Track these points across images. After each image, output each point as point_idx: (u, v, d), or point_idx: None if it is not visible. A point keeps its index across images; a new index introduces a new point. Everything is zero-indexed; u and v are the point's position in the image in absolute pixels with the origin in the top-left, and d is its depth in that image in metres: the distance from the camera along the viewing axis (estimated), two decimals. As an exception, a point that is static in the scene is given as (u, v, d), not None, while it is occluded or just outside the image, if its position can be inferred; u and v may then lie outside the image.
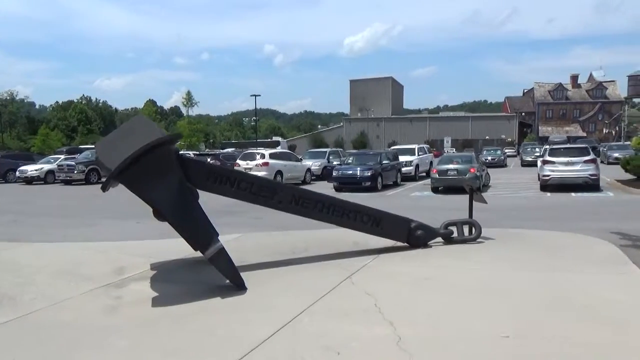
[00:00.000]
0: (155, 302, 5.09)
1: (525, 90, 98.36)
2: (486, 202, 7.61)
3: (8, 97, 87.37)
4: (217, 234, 5.34)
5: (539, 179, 17.15)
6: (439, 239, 7.26)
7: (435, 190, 17.22)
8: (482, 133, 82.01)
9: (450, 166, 17.14)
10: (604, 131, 79.12)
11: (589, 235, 7.87)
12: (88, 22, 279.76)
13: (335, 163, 22.18)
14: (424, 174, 24.21)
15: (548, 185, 16.15)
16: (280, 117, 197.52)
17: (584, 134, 75.68)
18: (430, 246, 7.09)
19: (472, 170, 16.83)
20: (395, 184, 20.02)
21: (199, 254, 7.24)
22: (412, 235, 7.01)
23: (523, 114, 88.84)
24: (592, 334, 3.76)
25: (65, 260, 7.11)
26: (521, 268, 5.81)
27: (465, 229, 7.37)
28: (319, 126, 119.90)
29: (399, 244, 7.19)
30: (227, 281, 5.56)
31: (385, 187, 18.93)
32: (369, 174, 17.60)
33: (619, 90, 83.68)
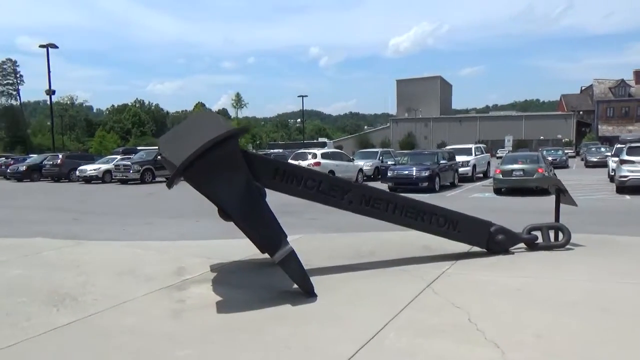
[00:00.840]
0: (221, 308, 4.72)
1: (583, 88, 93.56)
2: (576, 205, 6.83)
3: (68, 102, 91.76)
4: (286, 236, 4.92)
5: (611, 180, 15.87)
6: (521, 245, 6.58)
7: (497, 191, 16.26)
8: (536, 133, 78.74)
9: (516, 166, 16.09)
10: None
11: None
12: (141, 31, 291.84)
13: (389, 163, 21.51)
14: (481, 175, 23.16)
15: (625, 187, 14.83)
16: (325, 118, 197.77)
17: (650, 134, 70.96)
18: (513, 253, 6.41)
19: (540, 170, 15.75)
20: (453, 185, 19.14)
21: (259, 255, 6.96)
22: (491, 240, 6.36)
23: (581, 112, 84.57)
24: None
25: (125, 259, 6.94)
26: (628, 280, 5.05)
27: (551, 235, 6.64)
28: (365, 127, 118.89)
29: (476, 249, 6.56)
30: (294, 286, 5.15)
31: (443, 188, 18.11)
32: (427, 174, 16.84)
33: (689, 86, 77.99)
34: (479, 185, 19.93)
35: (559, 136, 77.20)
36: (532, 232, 6.60)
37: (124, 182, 26.59)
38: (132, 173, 25.89)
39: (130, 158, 28.62)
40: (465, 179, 20.87)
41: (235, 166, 4.73)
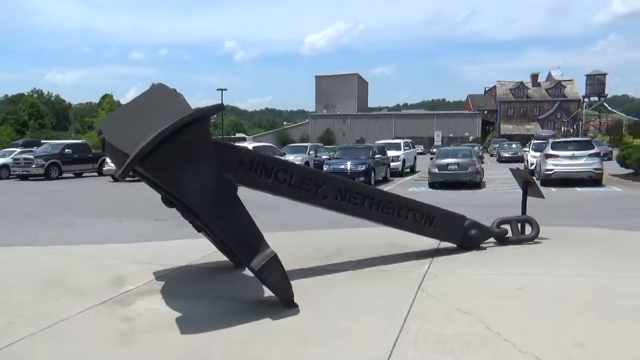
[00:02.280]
0: (184, 327, 3.86)
1: (487, 89, 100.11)
2: (543, 197, 6.73)
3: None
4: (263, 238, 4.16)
5: (532, 174, 16.64)
6: (490, 240, 6.33)
7: (432, 185, 16.43)
8: (445, 131, 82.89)
9: (451, 160, 16.36)
10: (562, 129, 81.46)
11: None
12: (41, 16, 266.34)
13: (324, 157, 21.06)
14: (408, 170, 23.53)
15: (550, 180, 15.61)
16: (241, 114, 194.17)
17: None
18: (485, 248, 6.13)
19: (473, 164, 16.14)
20: (386, 180, 19.11)
21: (208, 259, 6.11)
22: (465, 236, 6.04)
23: (485, 111, 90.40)
24: None
25: (48, 269, 5.75)
26: (628, 275, 4.84)
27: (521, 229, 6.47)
28: (284, 123, 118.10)
29: (444, 245, 6.21)
30: (267, 295, 4.42)
31: (377, 182, 18.00)
32: (363, 168, 16.59)
33: (577, 88, 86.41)
34: (410, 179, 20.17)
35: (467, 134, 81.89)
36: (501, 226, 6.38)
37: (24, 178, 23.64)
38: (35, 168, 23.07)
39: (32, 151, 25.54)
40: (396, 173, 21.03)
41: (205, 154, 3.88)
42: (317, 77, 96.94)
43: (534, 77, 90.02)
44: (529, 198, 6.79)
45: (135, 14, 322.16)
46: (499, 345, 3.23)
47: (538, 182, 16.35)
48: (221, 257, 5.79)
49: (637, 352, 3.06)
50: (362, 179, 16.46)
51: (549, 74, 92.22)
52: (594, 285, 4.51)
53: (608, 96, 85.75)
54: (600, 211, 10.76)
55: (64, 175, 24.50)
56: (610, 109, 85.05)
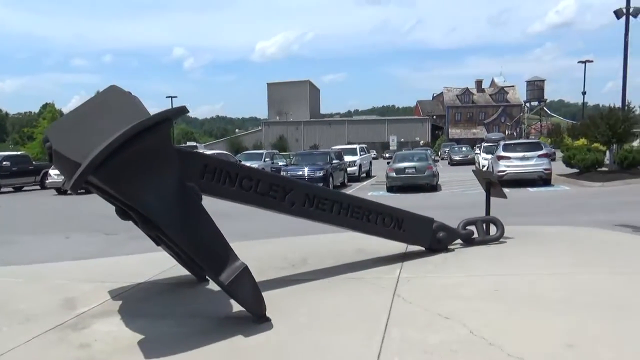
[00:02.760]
0: (149, 350, 3.54)
1: (434, 95, 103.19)
2: (505, 197, 6.79)
3: None
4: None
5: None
6: (457, 241, 6.31)
7: (390, 189, 16.54)
8: (397, 136, 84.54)
9: (408, 164, 16.53)
10: (507, 132, 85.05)
11: (604, 229, 7.37)
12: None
13: (281, 164, 20.77)
14: (364, 175, 23.67)
15: (502, 181, 16.00)
16: (191, 122, 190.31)
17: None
18: (453, 250, 6.10)
19: (429, 167, 16.40)
20: (343, 185, 19.10)
21: (168, 274, 5.74)
22: (434, 238, 5.98)
23: (434, 117, 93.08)
24: None
25: (-14, 294, 5.19)
26: (594, 271, 4.89)
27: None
28: (237, 130, 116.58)
29: (412, 248, 6.13)
30: (235, 310, 4.17)
31: (335, 188, 17.94)
32: (321, 174, 16.48)
33: (518, 94, 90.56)
34: (367, 184, 20.26)
35: (417, 138, 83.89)
36: (467, 227, 6.37)
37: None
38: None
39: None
40: (353, 178, 21.07)
41: (167, 161, 3.58)
42: (268, 84, 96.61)
43: (479, 83, 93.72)
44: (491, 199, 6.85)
45: (77, 20, 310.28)
46: (486, 351, 3.13)
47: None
48: (182, 271, 5.45)
49: (629, 350, 3.03)
50: (320, 185, 16.38)
51: (492, 81, 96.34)
52: (566, 282, 4.53)
53: (547, 101, 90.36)
54: (554, 209, 11.12)
55: (2, 190, 22.93)
56: (549, 112, 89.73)
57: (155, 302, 4.82)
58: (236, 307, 4.16)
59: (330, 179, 16.97)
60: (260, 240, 7.84)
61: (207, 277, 5.22)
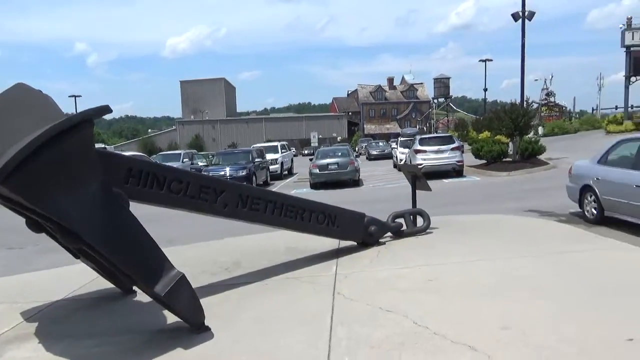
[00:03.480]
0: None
1: (349, 92, 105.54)
2: (430, 189, 7.05)
3: None
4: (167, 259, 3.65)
5: (399, 170, 17.77)
6: (387, 234, 6.46)
7: (314, 186, 16.62)
8: (315, 133, 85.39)
9: (331, 160, 16.69)
10: (418, 127, 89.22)
11: (516, 215, 7.92)
12: None
13: (201, 164, 20.03)
14: (286, 172, 23.61)
15: (420, 174, 16.71)
16: (98, 122, 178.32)
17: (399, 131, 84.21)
18: (384, 243, 6.23)
19: (352, 163, 16.68)
20: (266, 184, 18.88)
21: (88, 288, 5.31)
22: (366, 233, 6.07)
23: (350, 113, 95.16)
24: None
25: None
26: (517, 255, 5.21)
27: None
28: (149, 130, 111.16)
29: (345, 244, 6.19)
30: (170, 322, 3.94)
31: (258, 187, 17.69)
32: (244, 173, 16.14)
33: (427, 91, 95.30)
34: (290, 181, 20.21)
35: (335, 135, 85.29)
36: (396, 220, 6.55)
37: None
38: None
39: None
40: (275, 176, 20.92)
41: (89, 166, 3.26)
42: (182, 82, 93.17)
43: (390, 80, 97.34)
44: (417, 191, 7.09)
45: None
46: (432, 340, 3.20)
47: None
48: (105, 284, 5.06)
49: (556, 329, 3.24)
50: (243, 184, 16.08)
51: (403, 78, 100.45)
52: (493, 268, 4.78)
53: (452, 97, 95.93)
54: (470, 199, 11.80)
55: None
56: (454, 108, 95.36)
57: (76, 320, 4.41)
58: (171, 318, 3.92)
59: (254, 178, 16.71)
60: (187, 245, 7.51)
61: (134, 288, 4.89)
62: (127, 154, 21.41)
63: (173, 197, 4.36)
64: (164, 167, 4.54)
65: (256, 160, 17.95)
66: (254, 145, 24.04)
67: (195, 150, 29.23)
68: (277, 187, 18.27)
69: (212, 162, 18.72)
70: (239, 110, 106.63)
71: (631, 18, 39.64)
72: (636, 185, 6.63)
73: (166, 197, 4.31)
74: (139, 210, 3.89)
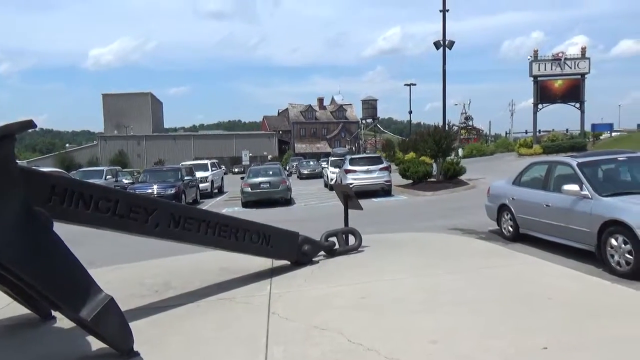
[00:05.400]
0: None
1: (280, 110, 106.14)
2: (361, 208, 7.25)
3: None
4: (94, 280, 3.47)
5: (330, 189, 18.11)
6: (320, 253, 6.55)
7: (245, 204, 16.44)
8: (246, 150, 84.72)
9: (263, 179, 16.62)
10: (347, 147, 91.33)
11: (441, 233, 8.32)
12: None
13: (126, 181, 19.09)
14: (216, 191, 23.18)
15: (351, 193, 17.09)
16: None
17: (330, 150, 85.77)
18: (317, 262, 6.30)
19: (283, 182, 16.72)
20: (196, 202, 18.39)
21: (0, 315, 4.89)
22: (299, 252, 6.11)
23: (280, 132, 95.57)
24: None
25: None
26: (443, 272, 5.48)
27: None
28: (67, 145, 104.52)
29: (278, 263, 6.20)
30: (96, 348, 3.73)
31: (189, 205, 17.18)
32: (172, 191, 15.61)
33: (355, 112, 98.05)
34: (221, 200, 19.85)
35: (265, 153, 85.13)
36: (329, 239, 6.66)
37: None
38: None
39: None
40: (205, 195, 20.46)
41: (9, 183, 3.06)
42: (104, 95, 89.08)
43: (320, 100, 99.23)
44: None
45: None
46: (365, 356, 3.29)
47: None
48: (21, 310, 4.68)
49: (480, 340, 3.45)
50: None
51: (332, 99, 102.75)
52: (422, 284, 5.00)
53: (379, 118, 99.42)
54: (397, 217, 12.23)
55: None
56: (382, 129, 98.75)
57: (-13, 351, 4.04)
58: (96, 344, 3.72)
59: (183, 197, 16.23)
60: (112, 266, 7.14)
61: (53, 313, 4.58)
62: (43, 169, 20.07)
63: (100, 217, 4.17)
64: (91, 185, 4.34)
65: (185, 178, 17.47)
66: (183, 163, 23.41)
67: (119, 167, 27.90)
68: (208, 205, 17.87)
69: (139, 180, 17.95)
70: (166, 126, 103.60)
71: (537, 51, 43.45)
72: (546, 205, 7.23)
73: (92, 217, 4.12)
74: (60, 230, 3.69)
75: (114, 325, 3.41)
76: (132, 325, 4.06)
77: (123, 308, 4.60)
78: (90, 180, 19.22)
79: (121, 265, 7.24)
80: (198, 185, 19.15)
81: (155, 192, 15.51)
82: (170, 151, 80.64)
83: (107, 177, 20.19)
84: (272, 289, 5.23)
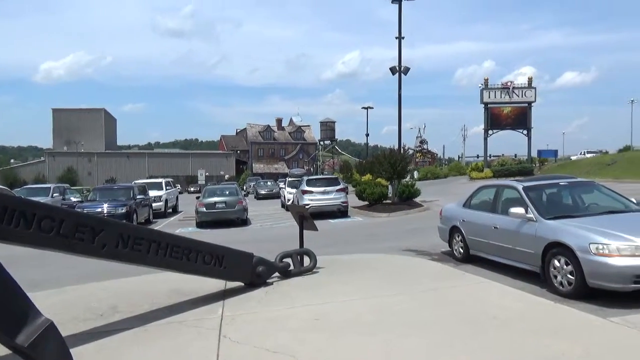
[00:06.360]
0: None
1: (238, 130, 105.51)
2: (317, 229, 7.26)
3: None
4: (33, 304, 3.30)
5: (287, 209, 18.00)
6: (275, 274, 6.50)
7: (200, 225, 16.10)
8: (202, 170, 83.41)
9: (218, 199, 16.34)
10: (304, 168, 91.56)
11: (395, 254, 8.43)
12: None
13: (74, 200, 18.28)
14: (171, 210, 22.62)
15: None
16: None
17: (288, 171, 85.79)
18: (272, 283, 6.24)
19: (240, 202, 16.50)
20: (149, 222, 17.83)
21: None
22: (254, 273, 6.05)
23: (238, 151, 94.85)
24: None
25: None
26: (396, 293, 5.54)
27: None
28: (12, 161, 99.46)
29: (231, 285, 6.11)
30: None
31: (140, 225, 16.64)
32: (123, 211, 15.08)
33: (313, 133, 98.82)
34: (175, 220, 19.36)
35: (222, 172, 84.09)
36: (283, 260, 6.62)
37: None
38: None
39: None
40: (158, 214, 19.90)
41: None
42: (54, 110, 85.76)
43: (279, 121, 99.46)
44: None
45: None
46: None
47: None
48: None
49: (430, 358, 3.51)
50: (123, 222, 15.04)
51: (291, 120, 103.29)
52: (375, 305, 5.05)
53: (337, 140, 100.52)
54: (353, 239, 12.31)
55: None
56: (340, 151, 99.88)
57: None
58: (34, 373, 3.50)
59: (134, 216, 15.71)
60: (55, 289, 6.81)
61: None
62: (-17, 187, 19.00)
63: (43, 237, 4.00)
64: (34, 203, 4.16)
65: (138, 197, 16.94)
66: (136, 181, 22.76)
67: (67, 185, 26.77)
68: (161, 225, 17.37)
69: (88, 198, 17.27)
70: (120, 143, 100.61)
71: (488, 79, 45.55)
72: (494, 227, 7.49)
73: (35, 237, 3.95)
74: (1, 251, 3.51)
75: (53, 351, 3.24)
76: (74, 351, 3.88)
77: (65, 333, 4.41)
78: (36, 199, 18.40)
79: (65, 288, 6.92)
80: (151, 205, 18.60)
81: (105, 211, 14.95)
82: (123, 169, 78.37)
83: (54, 195, 19.27)
84: (225, 311, 5.13)
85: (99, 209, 14.97)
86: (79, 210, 15.32)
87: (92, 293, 6.44)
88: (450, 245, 8.80)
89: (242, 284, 6.08)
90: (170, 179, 25.79)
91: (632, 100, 69.48)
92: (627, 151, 46.38)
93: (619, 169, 30.51)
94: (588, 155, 43.03)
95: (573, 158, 44.37)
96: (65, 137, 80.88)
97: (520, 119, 44.18)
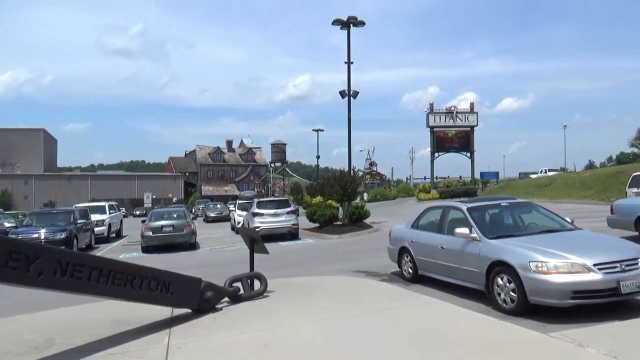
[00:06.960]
0: None
1: (187, 152, 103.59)
2: (267, 252, 7.18)
3: None
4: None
5: (237, 232, 17.76)
6: (225, 299, 6.35)
7: (146, 249, 15.51)
8: (149, 193, 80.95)
9: (165, 222, 15.84)
10: (255, 190, 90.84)
11: (345, 276, 8.46)
12: None
13: (7, 225, 17.13)
14: (114, 235, 21.72)
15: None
16: None
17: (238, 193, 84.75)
18: (221, 309, 6.09)
19: (188, 225, 16.06)
20: (90, 247, 17.01)
21: None
22: (202, 299, 5.88)
23: (187, 173, 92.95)
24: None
25: None
26: (346, 315, 5.54)
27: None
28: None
29: (177, 312, 5.92)
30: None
31: (80, 251, 15.81)
32: (62, 236, 14.30)
33: (264, 155, 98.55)
34: (119, 245, 18.55)
35: (170, 195, 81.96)
36: (233, 284, 6.49)
37: None
38: None
39: None
40: (101, 239, 19.03)
41: None
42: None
43: (229, 143, 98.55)
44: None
45: None
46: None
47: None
48: None
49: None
50: (62, 248, 14.25)
51: (241, 141, 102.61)
52: (326, 328, 5.02)
53: (288, 162, 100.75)
54: (303, 261, 12.26)
55: None
56: (290, 173, 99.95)
57: None
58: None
59: (75, 242, 14.93)
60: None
61: None
62: None
63: None
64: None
65: (79, 221, 16.15)
66: (77, 205, 21.74)
67: (0, 209, 25.20)
68: (104, 251, 16.61)
69: (24, 223, 16.29)
70: (60, 165, 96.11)
71: (433, 104, 47.38)
72: (441, 247, 7.69)
73: None
74: None
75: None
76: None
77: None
78: (-36, 224, 17.16)
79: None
80: (93, 229, 17.77)
81: (42, 237, 14.14)
82: (63, 192, 74.74)
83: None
84: (171, 340, 4.94)
85: (35, 235, 14.13)
86: (12, 236, 14.41)
87: (28, 325, 6.03)
88: (399, 266, 8.93)
89: (190, 311, 5.90)
90: (114, 202, 24.81)
91: (565, 126, 73.99)
92: (563, 172, 49.22)
93: (554, 190, 32.28)
94: (550, 173, 45.13)
95: (533, 177, 46.45)
96: (1, 159, 76.47)
97: (463, 142, 46.04)
